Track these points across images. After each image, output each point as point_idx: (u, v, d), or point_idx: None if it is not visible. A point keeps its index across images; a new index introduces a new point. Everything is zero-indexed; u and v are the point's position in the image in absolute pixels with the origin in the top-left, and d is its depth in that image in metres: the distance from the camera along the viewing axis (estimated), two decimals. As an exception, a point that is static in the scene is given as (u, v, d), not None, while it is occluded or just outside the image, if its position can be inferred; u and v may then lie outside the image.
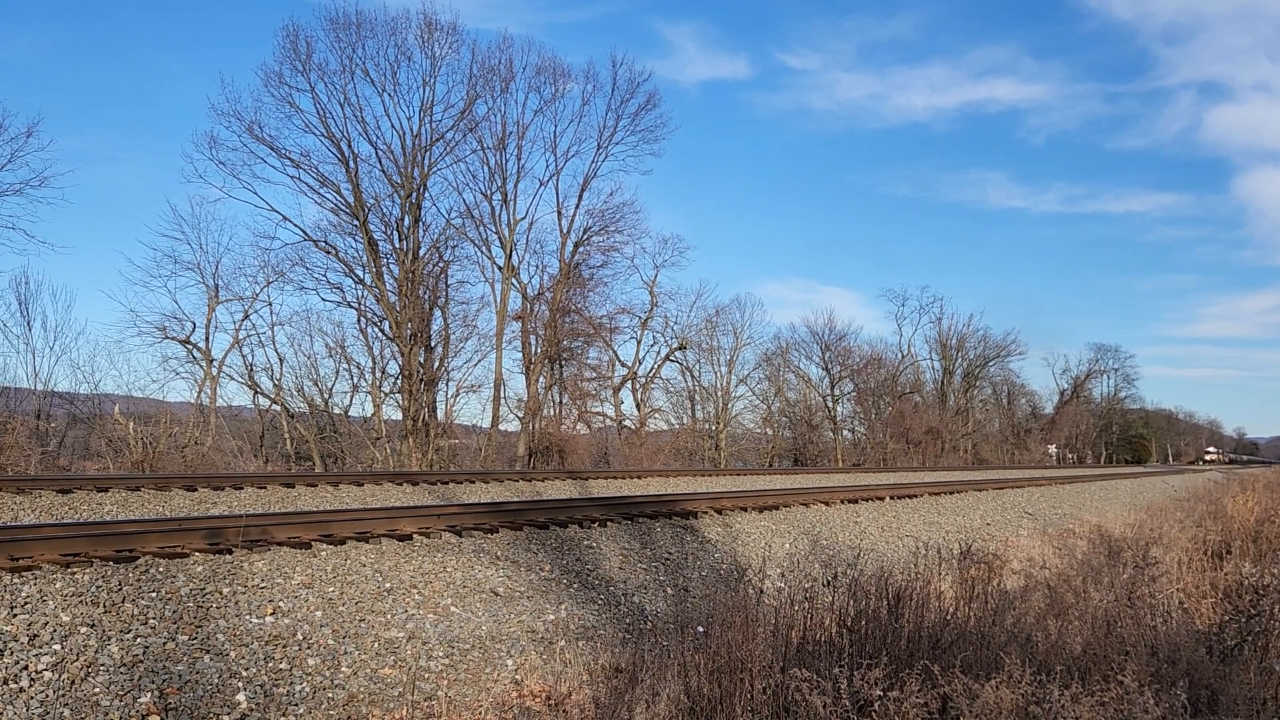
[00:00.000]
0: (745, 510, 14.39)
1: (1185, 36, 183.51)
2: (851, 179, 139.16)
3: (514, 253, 38.07)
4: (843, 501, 17.23)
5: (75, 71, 74.47)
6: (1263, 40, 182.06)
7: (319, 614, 7.23)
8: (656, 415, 48.71)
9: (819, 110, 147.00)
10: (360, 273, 34.57)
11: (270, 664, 6.36)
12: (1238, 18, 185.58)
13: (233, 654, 6.35)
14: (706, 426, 51.41)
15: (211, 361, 33.61)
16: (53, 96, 69.15)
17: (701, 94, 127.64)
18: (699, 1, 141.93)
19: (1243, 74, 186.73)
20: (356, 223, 33.98)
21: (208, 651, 6.29)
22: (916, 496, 20.37)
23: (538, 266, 41.38)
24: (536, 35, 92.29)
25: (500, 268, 37.68)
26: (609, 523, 11.74)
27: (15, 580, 6.59)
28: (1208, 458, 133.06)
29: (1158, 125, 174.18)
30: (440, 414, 35.56)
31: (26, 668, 5.61)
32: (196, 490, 15.30)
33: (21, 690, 5.43)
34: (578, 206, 39.20)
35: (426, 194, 35.26)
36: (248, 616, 6.91)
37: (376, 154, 34.29)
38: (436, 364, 35.55)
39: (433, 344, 35.48)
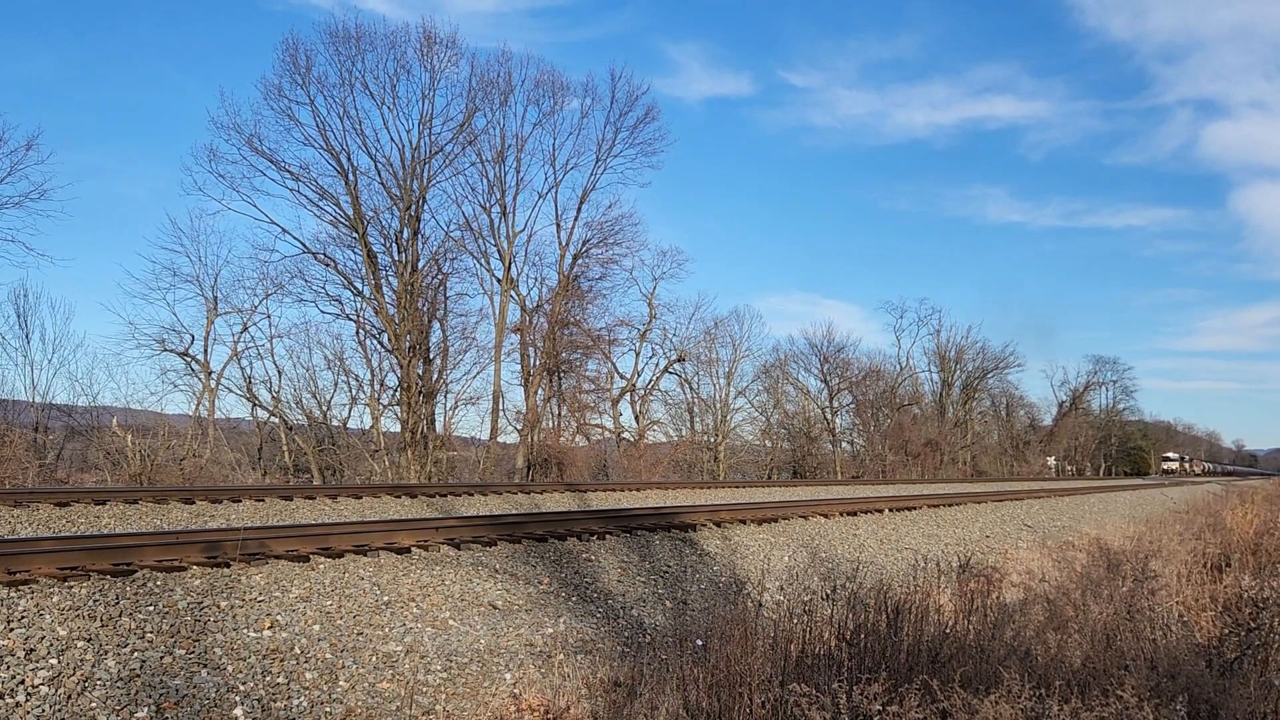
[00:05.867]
0: (744, 523, 14.37)
1: (1182, 55, 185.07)
2: (853, 194, 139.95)
3: (513, 265, 38.14)
4: (841, 514, 17.20)
5: (83, 86, 74.93)
6: (1259, 59, 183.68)
7: (317, 627, 7.21)
8: (655, 427, 48.74)
9: (821, 127, 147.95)
10: (359, 285, 34.63)
11: (268, 678, 6.34)
12: (1234, 37, 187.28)
13: (230, 668, 6.33)
14: (705, 439, 51.37)
15: (210, 374, 33.61)
16: (62, 111, 69.55)
17: (705, 110, 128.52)
18: (703, 21, 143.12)
19: (1239, 91, 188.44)
20: (355, 235, 34.03)
21: (205, 665, 6.27)
22: (915, 509, 20.35)
23: (536, 279, 41.53)
24: (542, 55, 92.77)
25: (499, 280, 37.73)
26: (608, 535, 11.72)
27: (12, 594, 6.58)
28: (1167, 467, 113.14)
29: (1155, 142, 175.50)
30: (439, 426, 35.53)
31: (23, 682, 5.60)
32: (194, 503, 15.26)
33: (18, 705, 5.41)
34: (576, 219, 39.28)
35: (425, 206, 35.34)
36: (245, 630, 6.89)
37: (376, 167, 34.39)
38: (435, 376, 35.55)
39: (431, 356, 35.49)
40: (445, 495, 19.66)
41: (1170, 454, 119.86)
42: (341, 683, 6.55)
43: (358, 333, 35.15)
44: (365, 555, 9.09)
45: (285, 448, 34.25)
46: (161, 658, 6.20)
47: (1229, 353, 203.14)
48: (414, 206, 34.66)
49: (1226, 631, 7.30)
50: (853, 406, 62.54)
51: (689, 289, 56.65)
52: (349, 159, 33.85)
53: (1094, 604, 8.34)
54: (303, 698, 6.25)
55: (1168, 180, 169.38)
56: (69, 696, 5.58)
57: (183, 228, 44.24)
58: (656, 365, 48.84)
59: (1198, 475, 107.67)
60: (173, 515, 14.29)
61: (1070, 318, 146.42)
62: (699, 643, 7.33)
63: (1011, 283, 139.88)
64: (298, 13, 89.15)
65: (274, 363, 37.04)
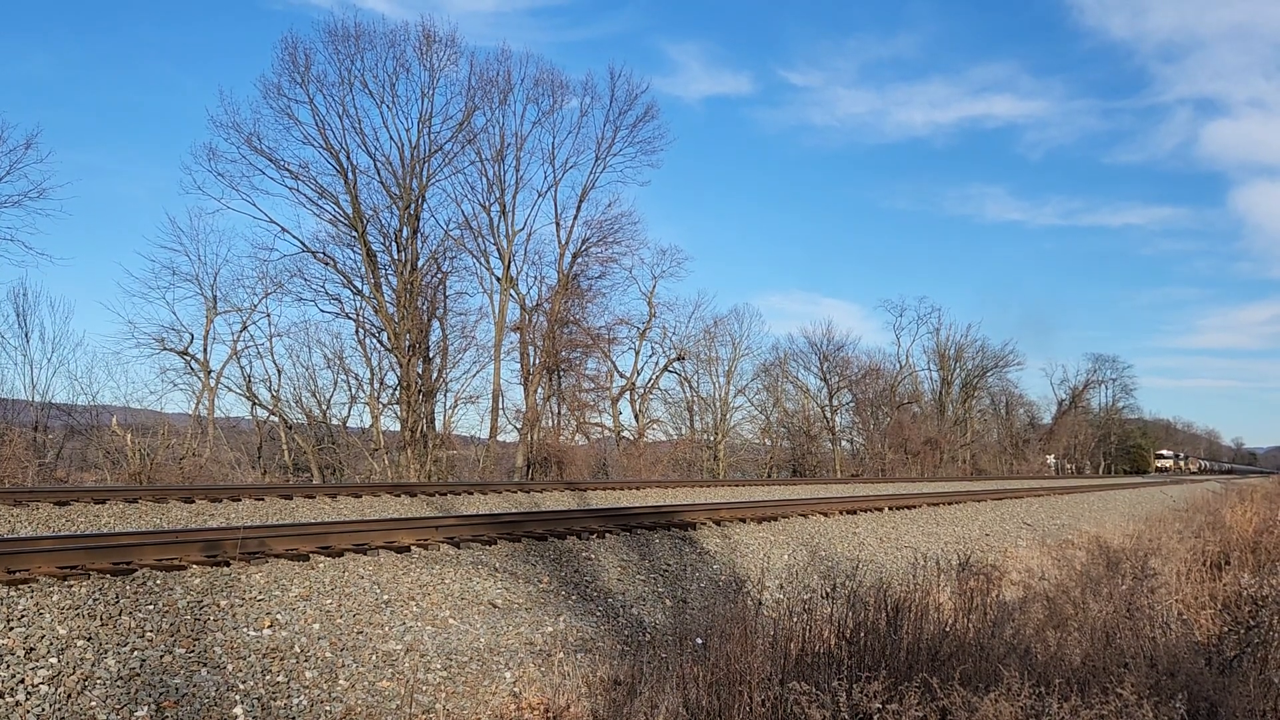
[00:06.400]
0: (744, 521, 14.37)
1: (1181, 54, 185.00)
2: (852, 193, 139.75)
3: (512, 264, 38.15)
4: (841, 512, 17.21)
5: (82, 86, 74.88)
6: (1258, 58, 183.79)
7: (316, 626, 7.21)
8: (655, 426, 48.72)
9: (820, 126, 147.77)
10: (358, 284, 34.63)
11: (267, 677, 6.34)
12: (1233, 36, 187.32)
13: (230, 667, 6.33)
14: (705, 437, 51.37)
15: (209, 373, 33.60)
16: (61, 111, 69.47)
17: (704, 110, 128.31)
18: (703, 21, 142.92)
19: (1238, 90, 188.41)
20: (355, 234, 34.03)
21: (205, 664, 6.27)
22: (915, 507, 20.35)
23: (536, 277, 41.54)
24: (541, 54, 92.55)
25: (498, 279, 37.73)
26: (607, 534, 11.72)
27: (12, 593, 6.58)
28: (1161, 465, 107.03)
29: (1154, 140, 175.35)
30: (438, 425, 35.53)
31: (23, 681, 5.60)
32: (194, 502, 15.26)
33: (18, 704, 5.41)
34: (576, 217, 39.27)
35: (425, 205, 35.33)
36: (245, 629, 6.89)
37: (375, 165, 34.39)
38: (435, 375, 35.55)
39: (431, 355, 35.48)
40: (445, 494, 19.66)
41: (1164, 451, 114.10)
42: (341, 681, 6.55)
43: (357, 331, 35.20)
44: (365, 554, 9.10)
45: (285, 447, 34.25)
46: (161, 656, 6.20)
47: (1228, 351, 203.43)
48: (413, 205, 34.65)
49: (1226, 629, 7.30)
50: (852, 405, 62.57)
51: (688, 288, 57.41)
52: (348, 158, 33.89)
53: (1093, 602, 8.35)
54: (302, 696, 6.25)
55: (1167, 179, 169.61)
56: (69, 695, 5.58)
57: (182, 227, 44.15)
58: (656, 364, 48.88)
59: (1194, 474, 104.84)
60: (172, 514, 14.29)
61: (1070, 316, 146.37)
62: (699, 641, 7.33)
63: (1011, 281, 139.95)
64: (297, 12, 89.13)
65: (273, 361, 37.11)
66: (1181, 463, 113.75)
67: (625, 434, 45.56)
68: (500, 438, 37.81)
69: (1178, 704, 4.88)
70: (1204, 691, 5.65)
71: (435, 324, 35.73)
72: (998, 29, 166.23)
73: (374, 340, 35.06)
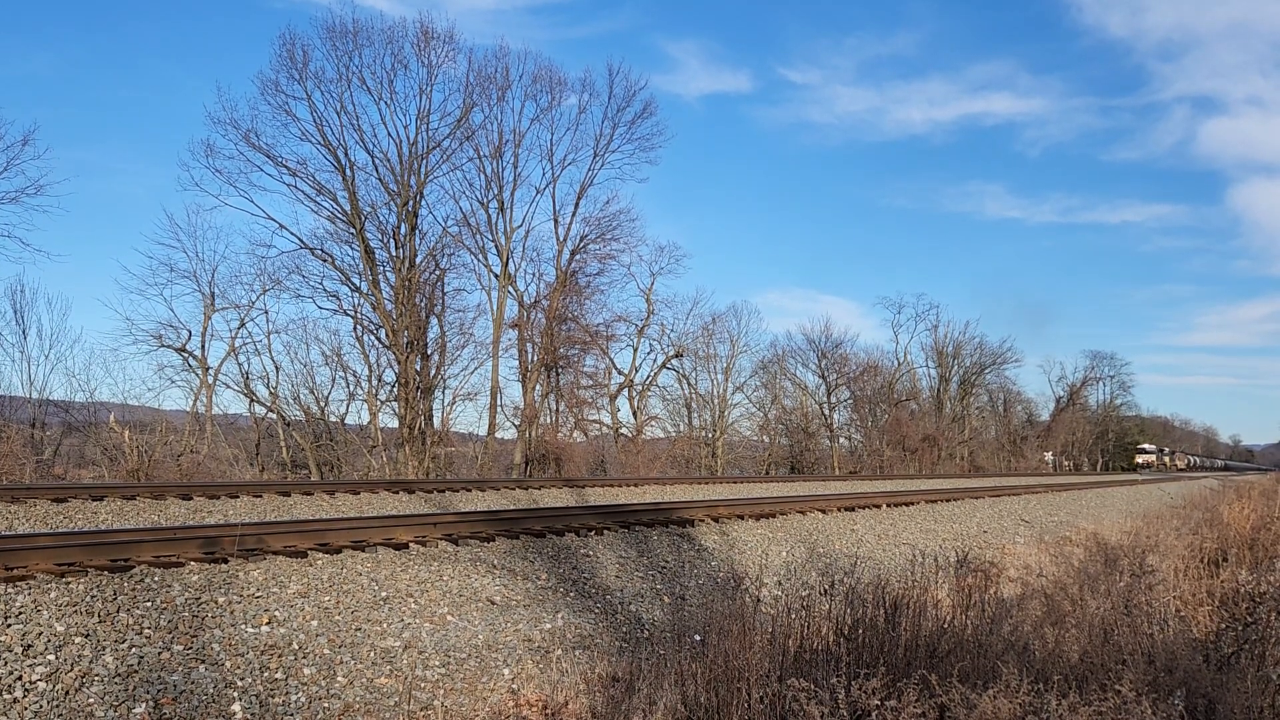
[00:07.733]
0: (742, 518, 14.38)
1: (1179, 53, 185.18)
2: (851, 190, 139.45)
3: (510, 261, 38.12)
4: (839, 509, 17.22)
5: (81, 84, 74.70)
6: (1255, 56, 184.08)
7: (315, 623, 7.20)
8: (653, 423, 48.71)
9: (819, 123, 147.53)
10: (357, 281, 34.59)
11: (266, 674, 6.34)
12: (1231, 34, 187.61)
13: (228, 664, 6.33)
14: (703, 434, 51.38)
15: (207, 369, 33.58)
16: (60, 108, 69.24)
17: (703, 107, 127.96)
18: (702, 19, 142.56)
19: (1236, 88, 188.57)
20: (353, 231, 33.99)
21: (203, 661, 6.27)
22: (913, 504, 20.37)
23: (534, 274, 41.31)
24: (541, 52, 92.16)
25: (496, 275, 37.70)
26: (606, 531, 11.72)
27: (10, 590, 6.57)
28: (1142, 461, 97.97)
29: (1152, 138, 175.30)
30: (437, 422, 35.52)
31: (20, 678, 5.59)
32: (192, 499, 15.25)
33: (15, 701, 5.41)
34: (574, 214, 39.22)
35: (423, 202, 35.29)
36: (243, 626, 6.88)
37: (373, 162, 34.35)
38: (433, 372, 35.52)
39: (429, 352, 35.45)
40: (443, 491, 19.66)
41: (1146, 445, 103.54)
42: (340, 678, 6.55)
43: (355, 328, 35.18)
44: (363, 551, 9.09)
45: (283, 444, 34.23)
46: (159, 654, 6.20)
47: (1226, 348, 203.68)
48: (411, 202, 34.61)
49: (1223, 626, 7.31)
50: (850, 402, 62.61)
51: (687, 285, 57.27)
52: (346, 154, 33.85)
53: (1091, 599, 8.36)
54: (301, 693, 6.25)
55: (1165, 176, 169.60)
56: (66, 692, 5.57)
57: (180, 223, 44.24)
58: (654, 361, 48.83)
59: (1181, 470, 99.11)
60: (170, 511, 14.28)
61: (1068, 313, 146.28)
62: (697, 638, 7.33)
63: (1009, 279, 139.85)
64: (295, 8, 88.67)
65: (271, 358, 37.27)
66: (1166, 458, 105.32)
67: (623, 431, 45.56)
68: (498, 435, 37.84)
69: (1175, 700, 4.89)
70: (1202, 688, 5.65)
71: (433, 321, 35.73)
72: (996, 27, 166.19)
73: (372, 337, 35.08)
